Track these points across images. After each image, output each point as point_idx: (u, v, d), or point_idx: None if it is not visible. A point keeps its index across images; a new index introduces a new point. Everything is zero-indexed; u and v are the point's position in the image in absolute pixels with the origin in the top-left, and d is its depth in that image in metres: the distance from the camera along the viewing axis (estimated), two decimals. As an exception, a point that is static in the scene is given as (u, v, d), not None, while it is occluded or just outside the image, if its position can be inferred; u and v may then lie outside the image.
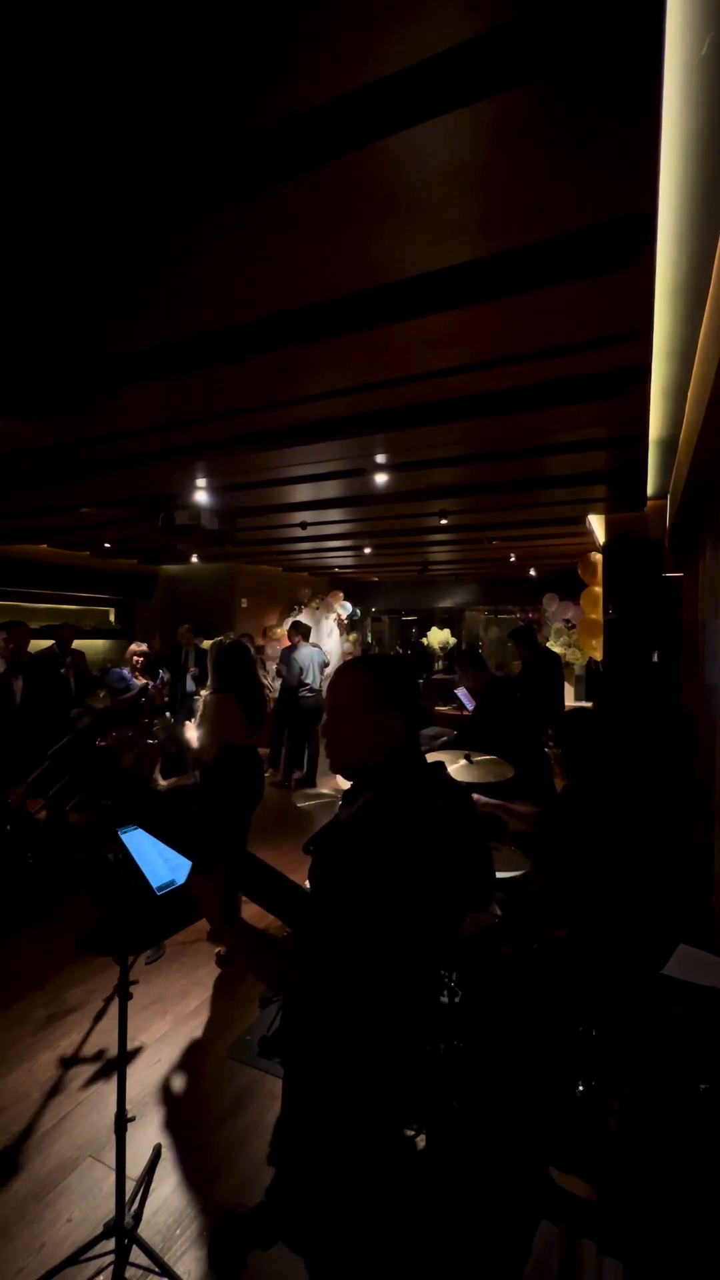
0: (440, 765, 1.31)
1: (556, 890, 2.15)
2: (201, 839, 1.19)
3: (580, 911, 2.05)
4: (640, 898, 2.07)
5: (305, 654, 6.97)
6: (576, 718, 2.57)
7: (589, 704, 5.80)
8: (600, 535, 5.85)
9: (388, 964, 1.01)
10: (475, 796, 2.69)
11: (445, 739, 5.51)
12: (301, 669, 6.89)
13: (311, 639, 7.26)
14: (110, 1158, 2.06)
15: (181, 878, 2.14)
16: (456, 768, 3.25)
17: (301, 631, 7.07)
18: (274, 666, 7.14)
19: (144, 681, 5.17)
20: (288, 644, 7.25)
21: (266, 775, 3.75)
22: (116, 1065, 1.83)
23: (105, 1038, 2.73)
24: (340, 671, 1.33)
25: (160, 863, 2.16)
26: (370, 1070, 1.04)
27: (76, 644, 6.35)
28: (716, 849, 2.84)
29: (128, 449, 3.60)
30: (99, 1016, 2.87)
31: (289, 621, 7.75)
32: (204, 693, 5.94)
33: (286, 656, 7.03)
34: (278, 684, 7.17)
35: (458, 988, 1.90)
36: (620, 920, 2.00)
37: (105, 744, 5.34)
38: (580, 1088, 1.65)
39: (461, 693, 6.04)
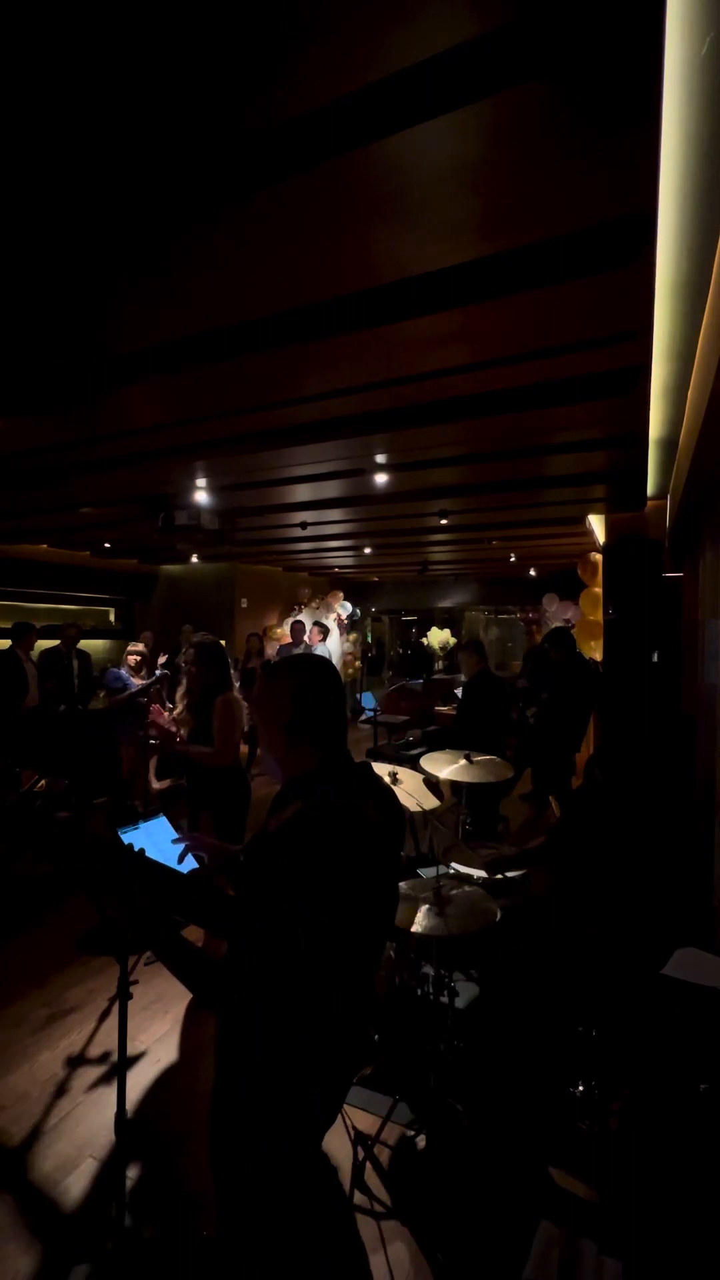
0: (368, 770, 1.24)
1: (563, 890, 2.16)
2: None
3: (581, 913, 2.05)
4: (639, 899, 2.07)
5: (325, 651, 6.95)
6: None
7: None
8: (600, 535, 5.85)
9: (309, 980, 0.99)
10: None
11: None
12: None
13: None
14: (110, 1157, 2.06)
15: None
16: (456, 768, 3.25)
17: (322, 630, 7.00)
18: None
19: (143, 682, 5.17)
20: (289, 641, 7.20)
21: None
22: (116, 1065, 1.83)
23: (105, 1038, 2.73)
24: (260, 687, 1.29)
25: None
26: (290, 1082, 1.05)
27: (79, 644, 6.33)
28: (716, 849, 2.84)
29: (128, 449, 3.59)
30: (100, 1017, 2.87)
31: (289, 620, 7.66)
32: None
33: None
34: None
35: (457, 988, 1.90)
36: (618, 922, 2.00)
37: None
38: (580, 1088, 1.65)
39: (460, 692, 6.04)
